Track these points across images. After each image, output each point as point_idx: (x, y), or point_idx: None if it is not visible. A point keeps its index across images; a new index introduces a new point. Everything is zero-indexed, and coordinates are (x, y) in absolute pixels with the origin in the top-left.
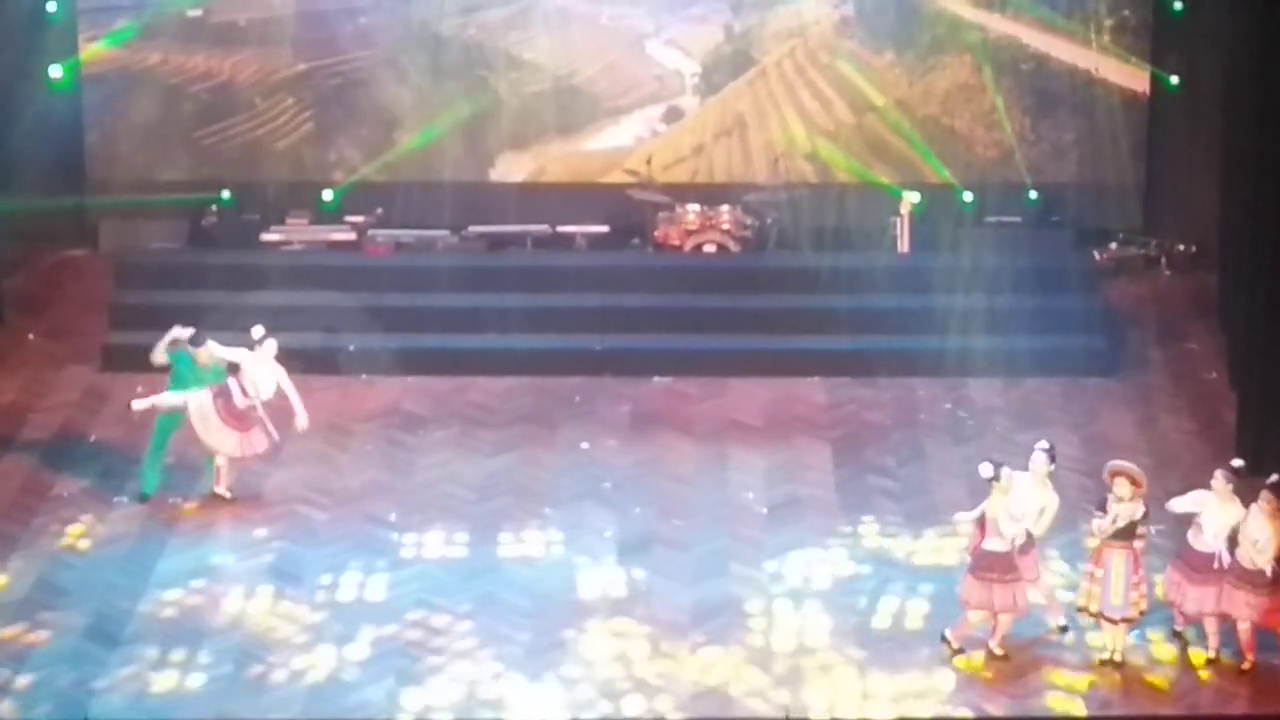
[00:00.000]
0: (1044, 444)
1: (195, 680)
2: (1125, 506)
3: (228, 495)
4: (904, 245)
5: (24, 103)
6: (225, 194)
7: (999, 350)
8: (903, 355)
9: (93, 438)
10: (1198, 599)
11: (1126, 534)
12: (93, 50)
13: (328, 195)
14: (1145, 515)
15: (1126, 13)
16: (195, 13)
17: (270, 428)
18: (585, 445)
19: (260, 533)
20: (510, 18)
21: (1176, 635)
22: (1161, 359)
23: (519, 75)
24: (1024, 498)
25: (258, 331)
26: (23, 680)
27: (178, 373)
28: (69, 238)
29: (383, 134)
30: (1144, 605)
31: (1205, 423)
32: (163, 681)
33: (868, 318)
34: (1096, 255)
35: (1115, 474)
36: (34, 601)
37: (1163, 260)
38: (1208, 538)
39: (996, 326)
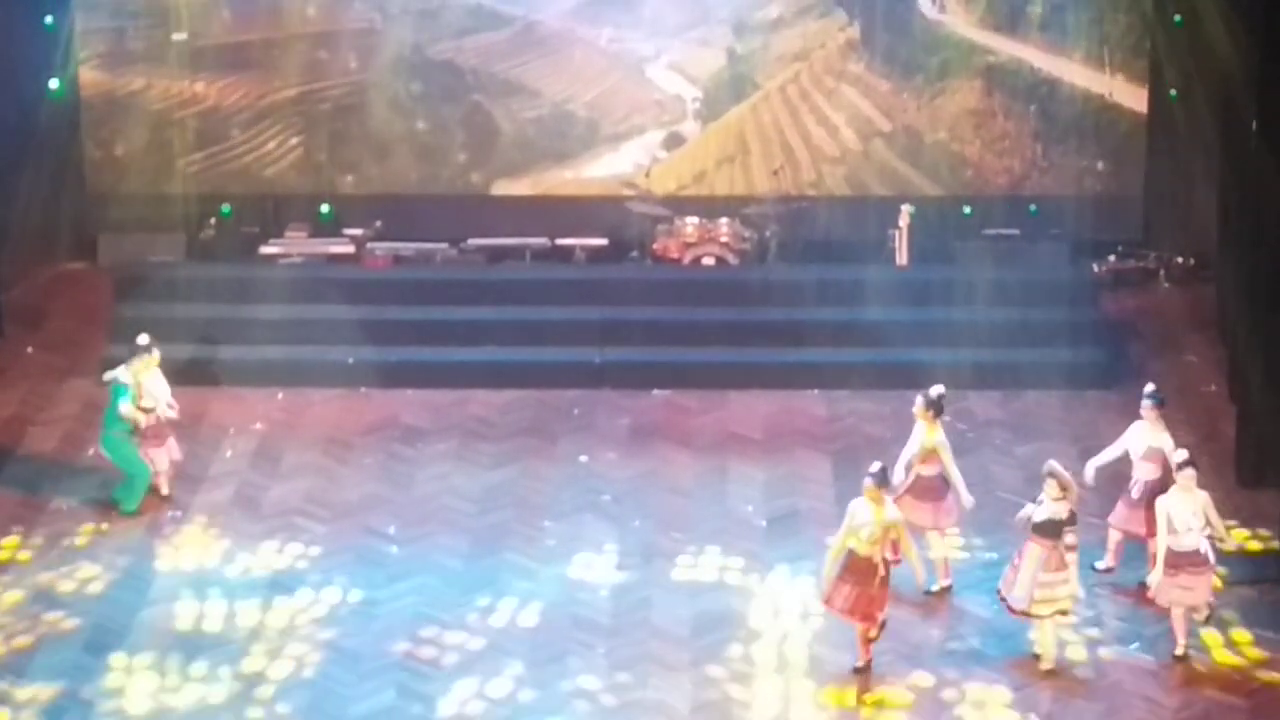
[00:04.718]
0: (935, 390)
1: (191, 692)
2: (1050, 505)
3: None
4: (903, 258)
5: (25, 114)
6: (225, 207)
7: (998, 363)
8: (902, 368)
9: (92, 451)
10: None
11: (1049, 531)
12: (79, 73)
13: (325, 208)
14: (1070, 520)
15: (1125, 27)
16: (180, 36)
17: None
18: (584, 459)
19: (259, 545)
20: (506, 41)
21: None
22: (1160, 371)
23: (515, 100)
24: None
25: (143, 340)
26: (21, 691)
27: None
28: (68, 251)
29: (374, 161)
30: (1061, 606)
31: (1204, 436)
32: (158, 692)
33: (867, 330)
34: (1095, 267)
35: (1048, 474)
36: (32, 614)
37: (1161, 273)
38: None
39: (995, 339)
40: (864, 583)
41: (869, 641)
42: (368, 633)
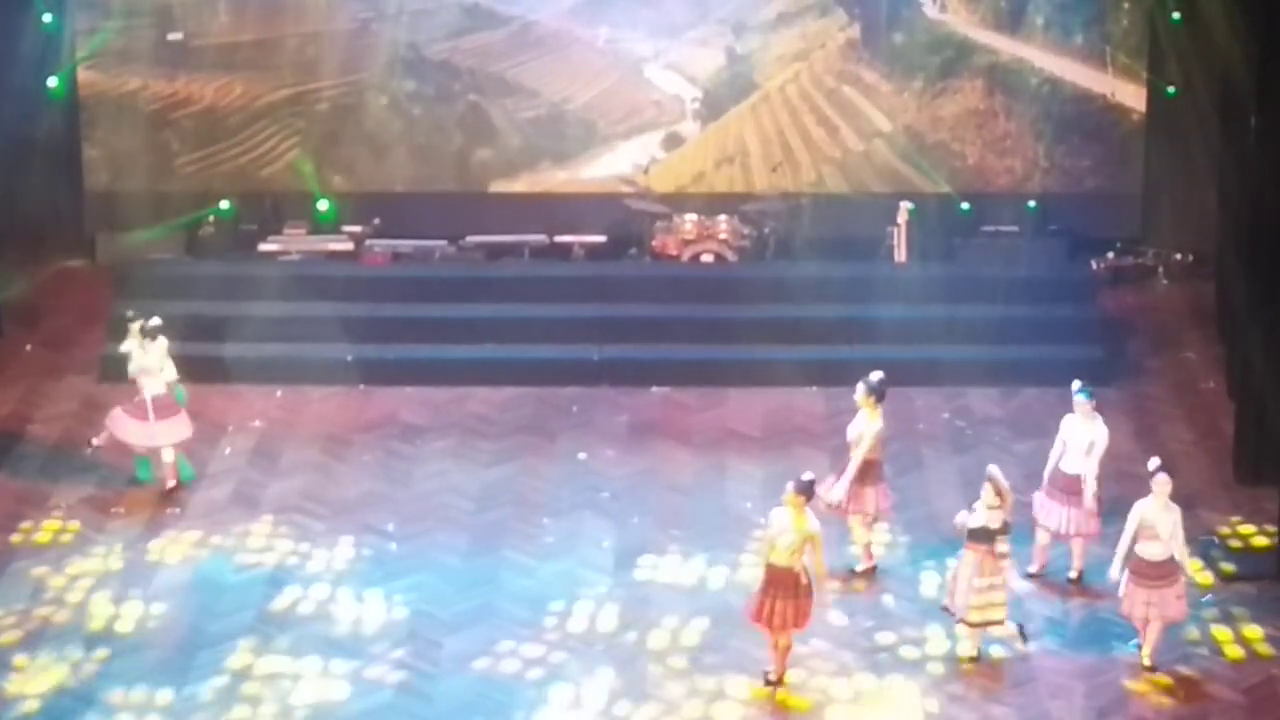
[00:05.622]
0: (875, 376)
1: (189, 692)
2: (984, 512)
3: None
4: (901, 255)
5: (23, 112)
6: (224, 204)
7: (996, 360)
8: (901, 365)
9: (89, 449)
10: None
11: (982, 537)
12: (77, 72)
13: (323, 205)
14: (1003, 529)
15: (1126, 27)
16: (176, 36)
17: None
18: (583, 456)
19: (257, 542)
20: (503, 41)
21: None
22: (1159, 369)
23: (512, 100)
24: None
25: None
26: (14, 689)
27: None
28: (67, 248)
29: (371, 160)
30: (991, 616)
31: (1203, 433)
32: (153, 690)
33: (865, 327)
34: (1094, 264)
35: (987, 479)
36: (29, 612)
37: (1160, 269)
38: (1071, 458)
39: (994, 336)
40: (786, 595)
41: (784, 651)
42: (366, 631)
